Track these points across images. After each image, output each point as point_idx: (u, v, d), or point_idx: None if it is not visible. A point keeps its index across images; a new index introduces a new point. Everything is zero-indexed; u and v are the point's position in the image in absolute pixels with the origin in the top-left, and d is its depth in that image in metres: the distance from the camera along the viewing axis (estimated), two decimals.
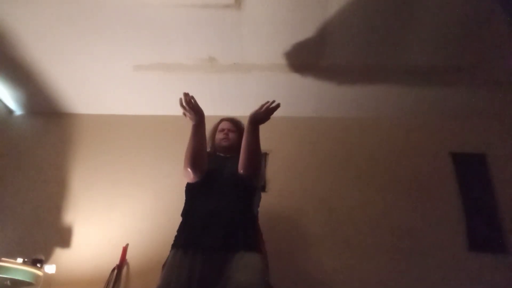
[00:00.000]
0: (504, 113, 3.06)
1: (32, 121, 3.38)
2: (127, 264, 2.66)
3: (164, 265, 1.55)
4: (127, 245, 2.71)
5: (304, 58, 2.75)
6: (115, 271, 2.58)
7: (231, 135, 1.95)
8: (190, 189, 1.74)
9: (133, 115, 3.35)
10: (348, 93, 3.05)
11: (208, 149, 1.99)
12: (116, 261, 2.62)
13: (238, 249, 1.49)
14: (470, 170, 2.95)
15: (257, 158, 1.71)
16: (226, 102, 3.12)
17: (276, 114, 3.35)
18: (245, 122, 1.93)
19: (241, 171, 1.66)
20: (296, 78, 2.90)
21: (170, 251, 1.57)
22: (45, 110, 3.36)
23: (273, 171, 2.96)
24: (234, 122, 2.04)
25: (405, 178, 2.97)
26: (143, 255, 2.65)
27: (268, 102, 1.73)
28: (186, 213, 1.68)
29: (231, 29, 2.52)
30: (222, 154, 1.93)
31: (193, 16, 2.43)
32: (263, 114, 1.71)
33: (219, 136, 1.97)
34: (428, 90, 2.94)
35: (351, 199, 2.90)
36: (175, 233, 1.66)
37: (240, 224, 1.58)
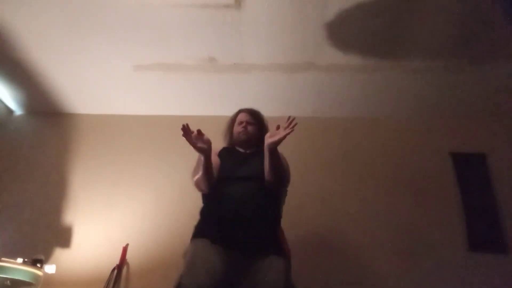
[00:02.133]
0: (504, 113, 3.06)
1: (32, 121, 3.38)
2: (127, 264, 2.66)
3: (185, 254, 1.50)
4: (127, 245, 2.71)
5: (304, 58, 2.75)
6: (115, 271, 2.58)
7: (249, 128, 1.86)
8: (211, 188, 1.67)
9: (133, 115, 3.35)
10: (348, 93, 3.05)
11: (225, 143, 1.95)
12: (116, 261, 2.62)
13: (267, 253, 1.47)
14: (470, 170, 2.95)
15: (285, 173, 1.70)
16: (226, 102, 3.11)
17: (276, 114, 3.35)
18: None
19: (273, 186, 1.64)
20: (296, 78, 2.90)
21: (194, 240, 1.53)
22: (45, 110, 3.36)
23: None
24: (252, 113, 1.94)
25: (405, 178, 2.97)
26: (143, 255, 2.65)
27: (287, 125, 1.53)
28: (212, 208, 1.62)
29: (231, 29, 2.52)
30: (241, 150, 1.85)
31: (193, 16, 2.42)
32: (282, 139, 1.53)
33: (237, 129, 1.89)
34: (428, 90, 2.94)
35: (351, 199, 2.90)
36: (192, 228, 1.61)
37: (270, 226, 1.58)
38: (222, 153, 1.81)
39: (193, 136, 1.51)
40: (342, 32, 2.50)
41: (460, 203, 2.82)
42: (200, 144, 1.52)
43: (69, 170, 3.11)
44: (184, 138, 1.51)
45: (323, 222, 2.81)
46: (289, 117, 1.54)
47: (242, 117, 1.92)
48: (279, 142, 1.52)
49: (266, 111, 3.18)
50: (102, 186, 3.01)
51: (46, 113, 3.39)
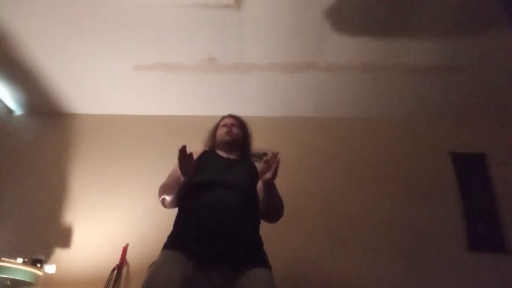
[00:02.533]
0: (504, 113, 3.06)
1: (32, 121, 3.38)
2: (127, 264, 2.66)
3: (151, 265, 1.36)
4: (127, 245, 2.71)
5: (304, 58, 2.75)
6: (115, 271, 2.58)
7: (234, 129, 1.82)
8: (188, 193, 1.56)
9: (133, 115, 3.35)
10: (348, 93, 3.05)
11: (206, 148, 1.89)
12: (116, 261, 2.62)
13: (251, 266, 1.34)
14: (470, 170, 2.95)
15: (282, 206, 1.64)
16: (226, 102, 3.11)
17: (276, 114, 3.35)
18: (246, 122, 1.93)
19: (269, 220, 1.64)
20: (296, 78, 2.90)
21: (163, 252, 1.38)
22: (45, 110, 3.36)
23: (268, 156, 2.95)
24: (237, 118, 1.91)
25: (405, 178, 2.97)
26: (143, 255, 2.64)
27: (273, 161, 1.49)
28: (191, 217, 1.48)
29: (231, 29, 2.52)
30: (224, 155, 1.77)
31: (193, 16, 2.43)
32: (276, 172, 1.49)
33: (221, 130, 1.83)
34: (428, 90, 2.94)
35: (351, 199, 2.90)
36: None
37: (254, 237, 1.49)
38: (203, 156, 1.73)
39: (185, 158, 1.46)
40: (342, 32, 2.50)
41: (460, 203, 2.82)
42: (186, 168, 1.47)
43: (69, 170, 3.11)
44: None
45: (323, 222, 2.81)
46: (273, 152, 1.51)
47: (226, 120, 1.88)
48: (275, 175, 1.48)
49: (266, 111, 3.22)
50: (102, 186, 3.01)
51: (46, 113, 3.39)
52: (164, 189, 1.65)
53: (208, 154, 1.77)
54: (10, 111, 3.38)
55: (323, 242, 2.72)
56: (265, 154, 3.01)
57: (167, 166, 3.00)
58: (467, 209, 2.79)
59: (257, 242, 1.51)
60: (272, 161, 1.48)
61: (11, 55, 2.72)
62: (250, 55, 2.73)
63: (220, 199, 1.47)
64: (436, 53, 2.62)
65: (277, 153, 1.50)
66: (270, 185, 1.51)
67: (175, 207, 1.62)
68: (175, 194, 1.56)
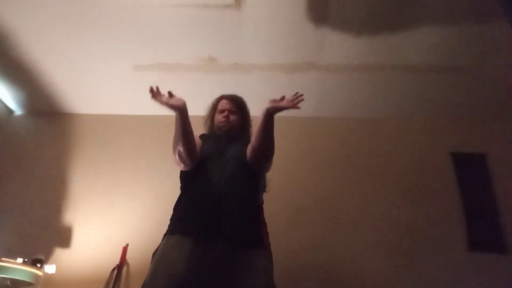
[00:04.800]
0: (504, 113, 3.06)
1: (32, 121, 3.38)
2: (127, 264, 2.66)
3: (154, 253, 1.39)
4: (127, 245, 2.71)
5: (304, 58, 2.75)
6: (115, 271, 2.58)
7: (232, 117, 1.74)
8: (188, 174, 1.56)
9: (133, 115, 3.35)
10: (348, 93, 3.05)
11: (205, 130, 1.84)
12: (116, 261, 2.62)
13: (245, 244, 1.35)
14: (470, 170, 2.95)
15: (273, 148, 1.59)
16: None
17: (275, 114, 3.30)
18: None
19: (254, 159, 1.53)
20: (296, 78, 2.90)
21: (165, 238, 1.40)
22: (45, 110, 3.36)
23: (273, 171, 2.95)
24: (235, 101, 1.81)
25: (405, 178, 2.97)
26: (143, 255, 2.63)
27: (293, 98, 1.54)
28: (185, 199, 1.50)
29: (231, 29, 2.52)
30: (223, 137, 1.72)
31: (193, 16, 2.43)
32: (283, 109, 1.52)
33: (218, 117, 1.76)
34: (428, 90, 2.94)
35: (351, 199, 2.90)
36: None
37: (248, 216, 1.45)
38: (202, 137, 1.70)
39: (164, 97, 1.46)
40: (342, 32, 2.50)
41: (460, 203, 2.82)
42: (172, 101, 1.48)
43: (69, 170, 3.11)
44: (151, 95, 1.51)
45: (324, 222, 2.81)
46: (297, 93, 1.52)
47: (223, 104, 1.79)
48: (279, 109, 1.47)
49: None
50: (102, 186, 3.01)
51: (46, 113, 3.38)
52: (174, 142, 1.56)
53: (206, 136, 1.74)
54: (10, 111, 3.38)
55: (323, 242, 2.72)
56: None
57: (167, 166, 3.02)
58: (467, 209, 2.79)
59: (256, 219, 1.49)
60: (291, 100, 1.52)
61: (11, 55, 2.72)
62: (250, 55, 2.73)
63: (220, 175, 1.47)
64: (436, 53, 2.62)
65: (301, 95, 1.54)
66: (269, 115, 1.49)
67: (191, 159, 1.52)
68: (182, 140, 1.50)
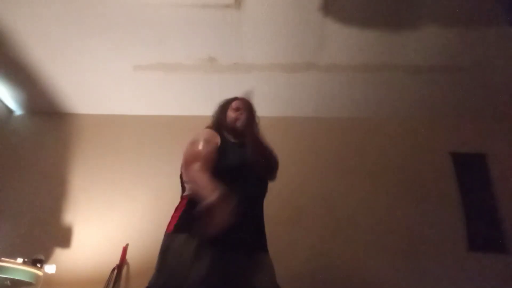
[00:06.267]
0: (504, 113, 3.06)
1: (32, 121, 3.38)
2: (127, 264, 2.66)
3: (164, 250, 1.38)
4: (127, 245, 2.71)
5: (304, 58, 2.75)
6: (115, 271, 2.58)
7: (244, 115, 1.73)
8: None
9: (133, 115, 3.35)
10: (348, 93, 3.05)
11: (213, 125, 1.80)
12: (116, 261, 2.62)
13: (258, 250, 1.44)
14: (470, 170, 2.95)
15: (273, 158, 1.73)
16: None
17: (276, 114, 3.35)
18: None
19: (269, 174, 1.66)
20: (296, 78, 2.90)
21: (174, 236, 1.39)
22: (45, 110, 3.36)
23: None
24: (249, 105, 1.81)
25: (405, 178, 2.97)
26: (143, 255, 2.65)
27: None
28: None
29: (231, 29, 2.52)
30: (232, 139, 1.72)
31: (193, 16, 2.42)
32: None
33: (233, 114, 1.74)
34: (428, 90, 2.94)
35: (351, 199, 2.90)
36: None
37: (262, 223, 1.54)
38: (221, 147, 1.65)
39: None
40: (342, 32, 2.50)
41: (460, 203, 2.82)
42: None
43: (69, 170, 3.11)
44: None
45: (324, 222, 2.81)
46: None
47: (239, 103, 1.79)
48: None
49: (266, 111, 3.20)
50: (102, 186, 3.01)
51: (46, 113, 3.38)
52: (190, 159, 1.52)
53: (225, 145, 1.68)
54: (10, 111, 3.38)
55: (323, 242, 2.72)
56: None
57: (167, 166, 3.02)
58: (467, 209, 2.79)
59: (263, 228, 1.56)
60: None
61: (11, 55, 2.72)
62: (250, 55, 2.73)
63: (240, 184, 1.49)
64: (436, 53, 2.62)
65: None
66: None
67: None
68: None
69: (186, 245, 1.34)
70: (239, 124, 1.70)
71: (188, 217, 1.44)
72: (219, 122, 1.78)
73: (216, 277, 1.28)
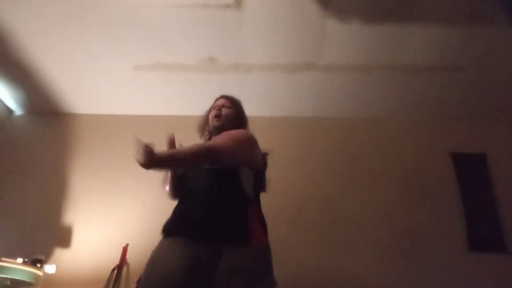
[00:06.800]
0: (504, 113, 3.06)
1: (32, 121, 3.38)
2: (127, 264, 2.66)
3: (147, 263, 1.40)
4: (127, 245, 2.71)
5: (304, 58, 2.75)
6: (115, 271, 2.58)
7: (224, 110, 1.69)
8: (178, 183, 1.70)
9: (133, 115, 3.35)
10: (348, 93, 3.05)
11: (200, 133, 1.83)
12: (116, 261, 2.62)
13: (226, 241, 1.30)
14: (470, 170, 2.95)
15: (206, 150, 1.47)
16: None
17: (276, 114, 3.35)
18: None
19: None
20: (296, 78, 2.90)
21: (161, 240, 1.46)
22: (45, 110, 3.36)
23: (273, 171, 2.95)
24: (229, 99, 1.77)
25: (405, 178, 2.97)
26: (143, 255, 2.62)
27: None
28: (176, 205, 1.59)
29: (231, 29, 2.52)
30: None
31: (193, 16, 2.43)
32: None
33: (212, 113, 1.73)
34: (428, 90, 2.94)
35: (351, 199, 2.90)
36: None
37: (224, 208, 1.39)
38: None
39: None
40: (342, 32, 2.50)
41: (460, 203, 2.82)
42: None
43: (69, 170, 3.11)
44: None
45: (324, 222, 2.81)
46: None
47: (217, 102, 1.78)
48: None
49: (266, 111, 3.22)
50: (102, 186, 3.01)
51: (46, 113, 3.38)
52: (162, 181, 1.72)
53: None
54: (10, 111, 3.38)
55: (323, 242, 2.72)
56: (265, 154, 3.01)
57: None
58: (467, 209, 2.79)
59: (237, 212, 1.40)
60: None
61: (11, 55, 2.72)
62: (250, 55, 2.73)
63: (196, 184, 1.53)
64: (436, 53, 2.62)
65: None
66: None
67: (174, 197, 1.67)
68: (169, 185, 1.68)
69: (163, 245, 1.40)
70: (216, 122, 1.68)
71: (169, 220, 1.50)
72: (204, 121, 1.79)
73: (183, 272, 1.26)
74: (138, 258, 2.66)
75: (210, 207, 1.40)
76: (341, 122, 3.25)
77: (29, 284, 2.34)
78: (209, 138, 1.77)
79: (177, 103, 3.24)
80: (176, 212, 1.51)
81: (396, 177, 2.97)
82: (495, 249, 2.63)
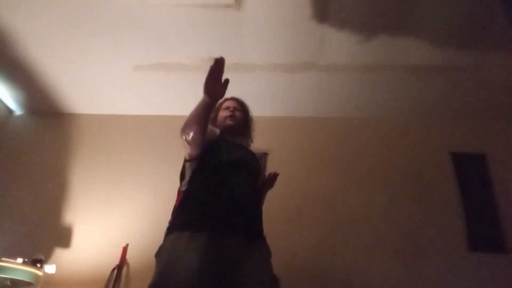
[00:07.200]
0: (504, 113, 3.06)
1: (32, 121, 3.38)
2: (127, 264, 2.66)
3: (159, 253, 1.34)
4: (127, 245, 2.71)
5: (304, 58, 2.75)
6: (115, 271, 2.58)
7: (237, 113, 1.79)
8: (206, 170, 1.54)
9: (133, 115, 3.35)
10: (348, 93, 3.05)
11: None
12: (116, 261, 2.62)
13: (258, 237, 1.48)
14: (470, 170, 2.95)
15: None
16: None
17: (276, 114, 3.35)
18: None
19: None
20: (296, 78, 2.90)
21: (169, 235, 1.37)
22: (45, 110, 3.36)
23: (273, 171, 2.96)
24: (240, 102, 1.88)
25: (405, 178, 2.97)
26: (143, 255, 2.65)
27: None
28: (203, 195, 1.47)
29: (231, 29, 2.52)
30: (230, 138, 1.72)
31: (193, 16, 2.43)
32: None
33: (224, 113, 1.78)
34: (428, 90, 2.94)
35: (351, 199, 2.90)
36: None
37: (258, 210, 1.59)
38: (217, 141, 1.68)
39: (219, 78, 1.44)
40: (342, 32, 2.50)
41: (460, 203, 2.82)
42: (216, 90, 1.48)
43: (69, 170, 3.11)
44: (214, 67, 1.45)
45: (324, 222, 2.81)
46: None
47: (229, 103, 1.83)
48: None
49: (266, 111, 3.22)
50: (102, 186, 3.01)
51: (46, 113, 3.39)
52: (189, 124, 1.53)
53: (220, 141, 1.69)
54: (10, 111, 3.38)
55: (323, 242, 2.72)
56: (266, 154, 3.01)
57: (167, 166, 3.02)
58: (467, 209, 2.79)
59: (261, 218, 1.59)
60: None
61: (11, 55, 2.72)
62: (250, 55, 2.73)
63: (236, 180, 1.51)
64: (436, 53, 2.62)
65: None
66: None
67: (198, 143, 1.51)
68: (201, 127, 1.50)
69: (177, 241, 1.33)
70: (230, 121, 1.75)
71: (180, 213, 1.47)
72: (212, 121, 1.78)
73: (208, 265, 1.24)
74: (138, 258, 2.66)
75: (253, 208, 1.52)
76: (341, 122, 3.25)
77: (29, 284, 2.34)
78: (220, 136, 1.77)
79: (177, 103, 3.23)
80: (216, 205, 1.42)
81: (396, 177, 2.97)
82: (495, 249, 2.63)
